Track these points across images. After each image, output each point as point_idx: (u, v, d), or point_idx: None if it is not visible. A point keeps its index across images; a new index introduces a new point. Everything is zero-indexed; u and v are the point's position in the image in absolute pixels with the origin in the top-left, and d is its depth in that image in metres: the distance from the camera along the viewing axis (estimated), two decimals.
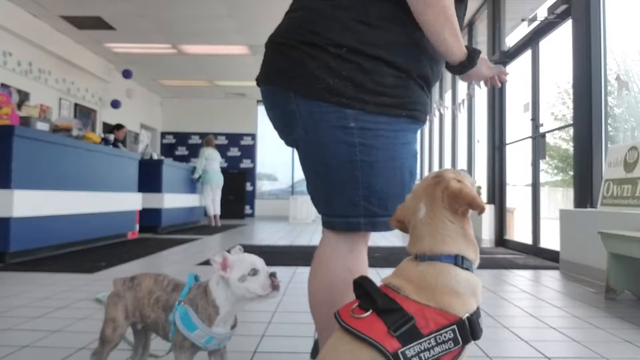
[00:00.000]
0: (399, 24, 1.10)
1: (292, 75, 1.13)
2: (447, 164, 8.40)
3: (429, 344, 0.87)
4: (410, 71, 1.13)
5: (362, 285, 0.95)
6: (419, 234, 0.98)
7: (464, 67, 1.14)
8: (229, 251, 1.21)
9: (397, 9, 1.09)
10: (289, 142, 1.30)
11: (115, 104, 9.39)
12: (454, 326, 0.88)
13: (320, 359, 0.94)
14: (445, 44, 1.09)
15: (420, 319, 0.88)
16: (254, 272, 1.14)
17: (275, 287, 1.14)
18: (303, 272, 3.50)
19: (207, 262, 3.90)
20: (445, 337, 0.88)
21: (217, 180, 8.76)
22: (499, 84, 1.28)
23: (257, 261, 1.17)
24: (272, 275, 1.15)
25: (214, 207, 8.84)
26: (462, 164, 7.47)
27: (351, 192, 1.15)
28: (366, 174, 1.13)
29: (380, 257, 4.40)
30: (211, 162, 8.66)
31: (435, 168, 9.15)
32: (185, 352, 1.17)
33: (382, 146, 1.12)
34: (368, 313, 0.90)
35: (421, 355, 0.86)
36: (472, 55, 1.13)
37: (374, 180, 1.14)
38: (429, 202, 0.98)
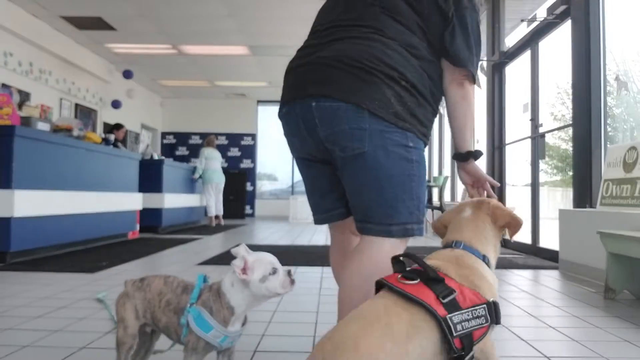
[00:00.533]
0: (441, 83, 1.41)
1: (372, 98, 1.29)
2: (447, 164, 8.41)
3: (467, 315, 0.99)
4: (436, 114, 1.44)
5: (403, 261, 1.09)
6: (461, 226, 1.17)
7: (469, 155, 1.44)
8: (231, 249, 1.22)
9: (442, 73, 1.41)
10: (315, 154, 1.43)
11: (115, 104, 9.41)
12: (485, 305, 1.01)
13: (361, 311, 0.99)
14: (464, 132, 1.42)
15: (459, 295, 1.00)
16: (274, 270, 1.17)
17: (292, 282, 1.19)
18: (303, 271, 3.51)
19: (207, 262, 3.91)
20: (479, 313, 1.00)
21: (217, 180, 8.75)
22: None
23: (274, 260, 1.20)
24: (289, 273, 1.19)
25: (217, 208, 8.82)
26: None
27: (410, 202, 1.33)
28: (418, 186, 1.34)
29: None
30: (211, 161, 8.66)
31: (435, 168, 9.16)
32: (198, 353, 1.17)
33: (423, 163, 1.37)
34: (416, 281, 1.00)
35: (462, 324, 0.97)
36: (477, 150, 1.45)
37: (421, 192, 1.35)
38: (475, 209, 1.19)
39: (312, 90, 1.33)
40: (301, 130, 1.39)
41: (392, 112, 1.29)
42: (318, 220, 1.54)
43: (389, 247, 1.30)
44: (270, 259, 1.19)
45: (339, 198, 1.47)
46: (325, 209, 1.50)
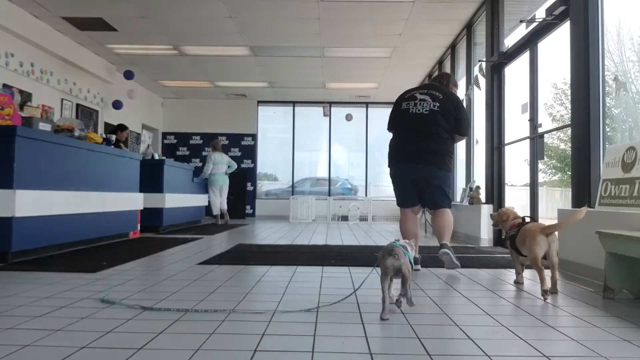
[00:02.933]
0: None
1: (443, 164, 3.61)
2: None
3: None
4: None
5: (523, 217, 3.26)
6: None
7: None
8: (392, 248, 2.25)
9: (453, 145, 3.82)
10: (416, 184, 3.66)
11: (116, 105, 9.42)
12: None
13: (532, 223, 3.03)
14: (459, 140, 3.95)
15: None
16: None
17: None
18: (303, 271, 3.53)
19: (208, 262, 3.92)
20: None
21: (221, 182, 9.31)
22: None
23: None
24: None
25: (222, 204, 9.39)
26: (461, 164, 7.48)
27: (450, 196, 3.82)
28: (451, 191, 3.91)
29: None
30: (217, 166, 9.25)
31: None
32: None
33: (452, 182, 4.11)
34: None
35: None
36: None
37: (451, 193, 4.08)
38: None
39: (420, 160, 3.55)
40: (410, 173, 3.61)
41: (448, 168, 3.65)
42: (405, 206, 3.74)
43: (449, 211, 3.72)
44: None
45: (416, 197, 3.71)
46: (410, 201, 3.72)
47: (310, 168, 12.70)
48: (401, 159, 3.62)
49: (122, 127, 7.59)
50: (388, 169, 3.82)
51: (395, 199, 3.84)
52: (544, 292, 2.65)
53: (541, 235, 2.81)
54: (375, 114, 12.53)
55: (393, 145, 3.75)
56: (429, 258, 4.12)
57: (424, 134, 3.55)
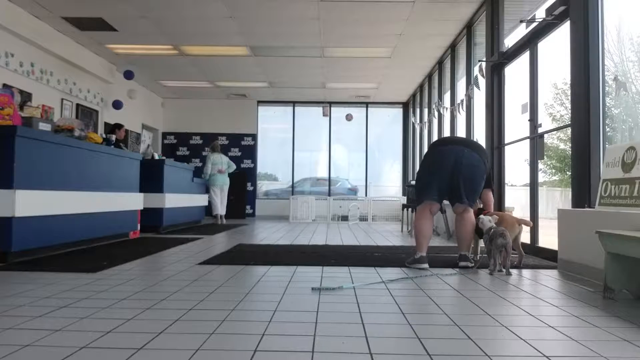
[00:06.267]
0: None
1: (485, 162, 3.81)
2: None
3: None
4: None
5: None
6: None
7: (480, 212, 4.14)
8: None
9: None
10: (454, 170, 3.73)
11: (117, 105, 9.42)
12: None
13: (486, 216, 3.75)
14: (490, 205, 4.22)
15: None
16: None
17: None
18: (303, 271, 3.53)
19: (208, 262, 3.92)
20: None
21: (221, 183, 9.52)
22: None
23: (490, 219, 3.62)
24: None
25: (221, 208, 9.54)
26: None
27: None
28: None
29: (380, 257, 4.42)
30: (216, 166, 9.47)
31: None
32: None
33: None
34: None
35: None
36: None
37: None
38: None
39: (469, 146, 3.79)
40: (453, 155, 3.70)
41: (486, 167, 3.81)
42: (429, 198, 3.77)
43: (471, 211, 3.88)
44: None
45: (442, 191, 3.79)
46: (436, 193, 3.75)
47: (310, 168, 12.70)
48: (448, 142, 3.90)
49: (118, 126, 7.70)
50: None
51: (418, 192, 3.88)
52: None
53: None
54: (375, 114, 12.53)
55: (438, 139, 4.34)
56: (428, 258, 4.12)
57: (471, 141, 4.09)
